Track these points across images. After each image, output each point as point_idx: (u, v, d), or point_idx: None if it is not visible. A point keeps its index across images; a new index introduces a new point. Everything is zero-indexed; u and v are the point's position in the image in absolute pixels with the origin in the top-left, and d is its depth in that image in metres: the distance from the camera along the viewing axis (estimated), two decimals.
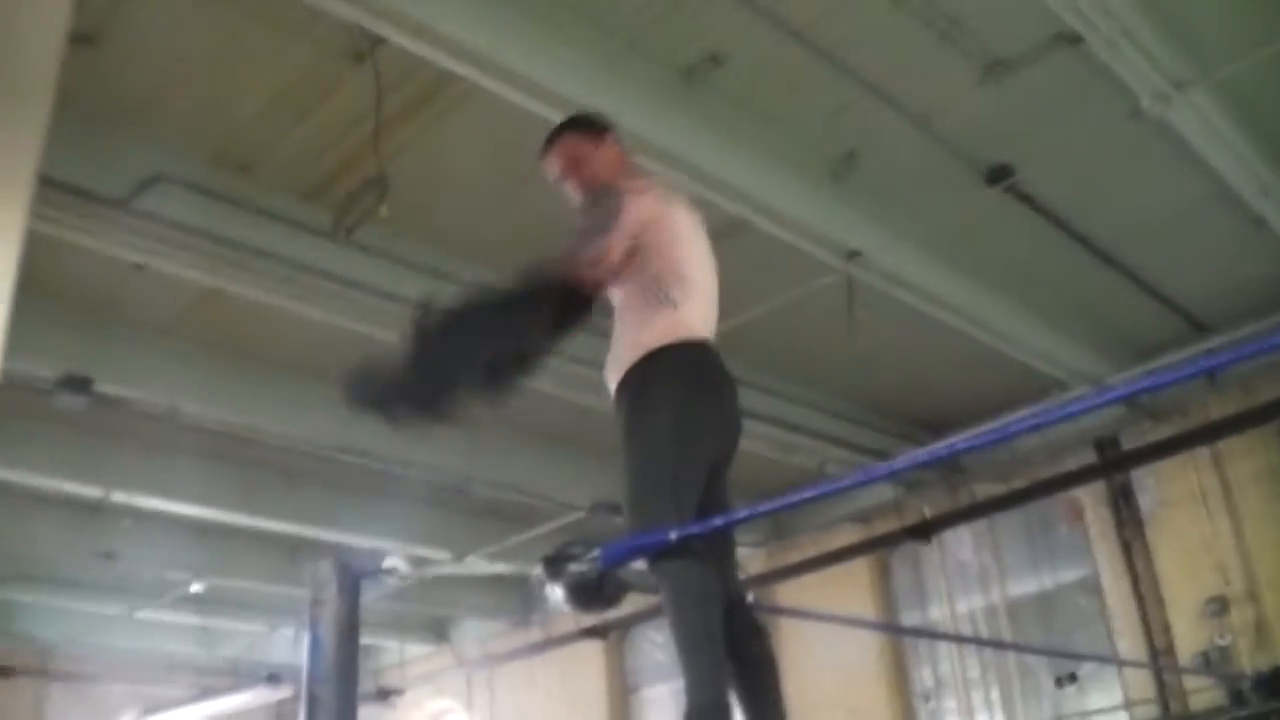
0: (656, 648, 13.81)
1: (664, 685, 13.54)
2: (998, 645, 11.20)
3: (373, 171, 6.11)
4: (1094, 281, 8.53)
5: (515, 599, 14.66)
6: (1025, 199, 7.41)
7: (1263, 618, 9.23)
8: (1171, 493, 10.00)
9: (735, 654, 3.24)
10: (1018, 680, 10.91)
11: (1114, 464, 10.39)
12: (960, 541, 11.56)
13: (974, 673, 11.21)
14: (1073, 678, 10.39)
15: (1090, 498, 10.59)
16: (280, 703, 14.64)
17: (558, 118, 5.73)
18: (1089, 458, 10.54)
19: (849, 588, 11.90)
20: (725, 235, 6.95)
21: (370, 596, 12.33)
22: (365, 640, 15.83)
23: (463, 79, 5.70)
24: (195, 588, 12.57)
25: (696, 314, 3.52)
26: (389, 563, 9.70)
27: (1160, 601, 9.89)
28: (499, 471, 10.20)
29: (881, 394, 10.45)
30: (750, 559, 12.73)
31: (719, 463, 3.51)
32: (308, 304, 7.32)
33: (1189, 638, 9.62)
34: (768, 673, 3.48)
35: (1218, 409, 9.70)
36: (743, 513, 3.34)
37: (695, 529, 3.13)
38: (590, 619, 13.70)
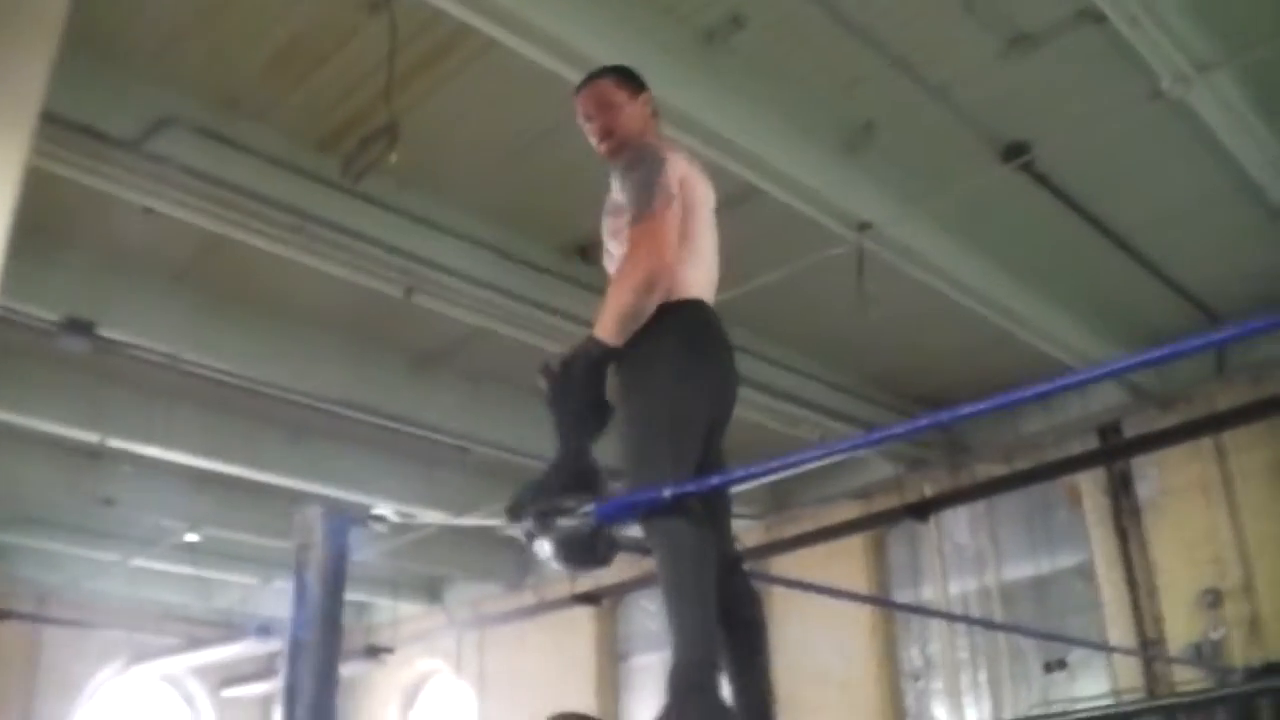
0: (649, 616, 13.82)
1: (655, 654, 13.55)
2: (988, 625, 11.19)
3: (384, 121, 6.05)
4: (1107, 266, 8.47)
5: (510, 562, 14.67)
6: (1040, 178, 7.34)
7: (1257, 612, 9.20)
8: (1172, 482, 9.96)
9: (727, 618, 3.21)
10: (1007, 663, 10.90)
11: (1115, 450, 10.36)
12: (958, 523, 11.55)
13: (963, 654, 11.22)
14: (1062, 664, 10.39)
15: (1090, 484, 10.55)
16: (272, 655, 14.68)
17: (574, 76, 5.70)
18: (1093, 444, 10.52)
19: (845, 564, 11.88)
20: (737, 202, 6.95)
21: (365, 553, 12.35)
22: (359, 597, 15.97)
23: (480, 33, 5.65)
24: (191, 537, 12.61)
25: (697, 276, 3.49)
26: (378, 511, 9.71)
27: (1154, 591, 9.87)
28: (499, 432, 10.17)
29: (887, 370, 10.41)
30: (748, 532, 12.73)
31: (716, 423, 3.49)
32: (315, 255, 7.28)
33: (1182, 629, 9.59)
34: (758, 638, 3.46)
35: (1224, 400, 9.66)
36: (739, 472, 3.31)
37: (692, 487, 3.09)
38: (583, 584, 13.72)
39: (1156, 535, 9.99)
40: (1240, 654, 9.10)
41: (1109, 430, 10.47)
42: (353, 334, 9.28)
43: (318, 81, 6.54)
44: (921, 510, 11.51)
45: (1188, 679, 9.48)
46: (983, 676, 11.02)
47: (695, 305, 3.46)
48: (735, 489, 11.66)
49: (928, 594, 11.66)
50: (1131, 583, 10.02)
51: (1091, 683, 10.28)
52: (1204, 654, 9.30)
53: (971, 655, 11.17)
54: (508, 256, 7.81)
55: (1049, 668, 10.50)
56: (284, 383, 9.42)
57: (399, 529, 11.98)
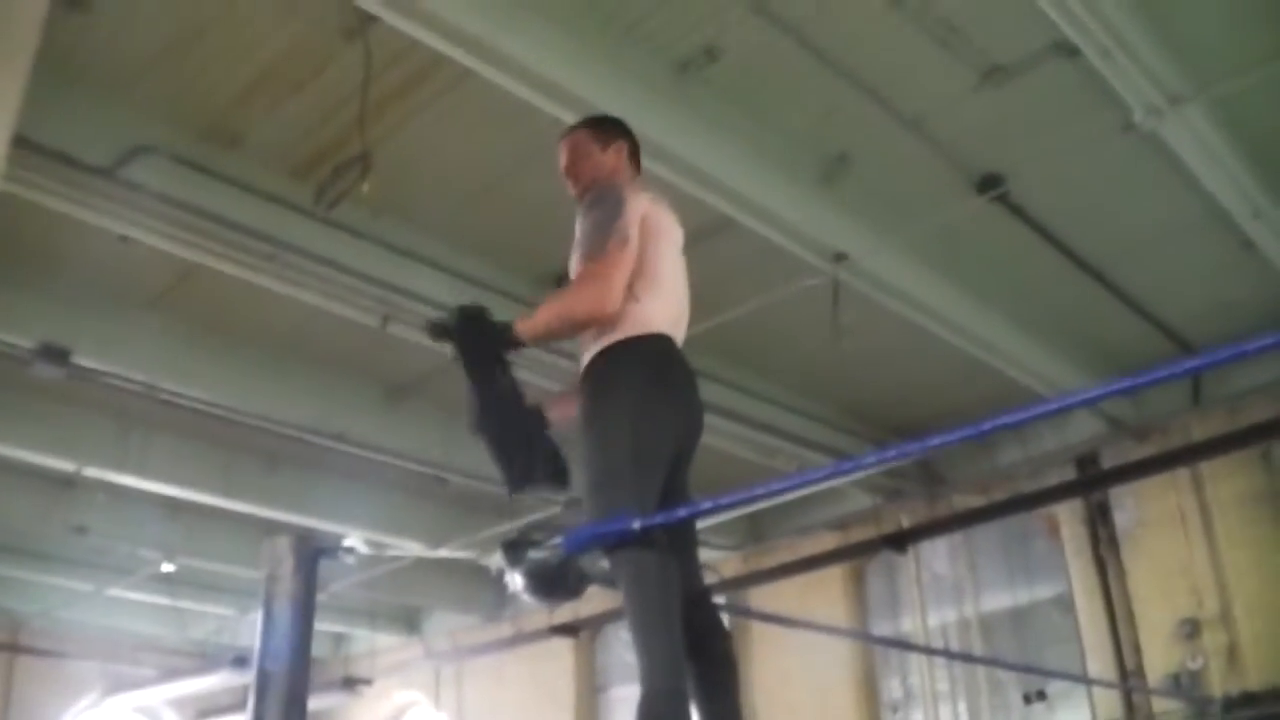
0: (627, 647, 13.65)
1: (633, 685, 13.35)
2: (967, 659, 11.17)
3: (358, 150, 6.06)
4: (1081, 297, 8.51)
5: (488, 593, 14.59)
6: (1015, 209, 7.37)
7: (1236, 642, 9.21)
8: (1150, 513, 9.98)
9: (695, 652, 3.21)
10: (986, 695, 10.88)
11: (1093, 481, 10.38)
12: (936, 554, 11.54)
13: (943, 685, 11.18)
14: (1041, 695, 10.36)
15: (1067, 514, 10.57)
16: (248, 687, 14.53)
17: (549, 108, 5.74)
18: (1070, 475, 10.54)
19: (823, 596, 11.87)
20: (712, 233, 6.98)
21: (340, 584, 12.29)
22: (336, 628, 15.87)
23: (455, 63, 5.65)
24: (167, 567, 12.51)
25: (660, 311, 3.54)
26: (348, 542, 9.65)
27: (1133, 621, 9.87)
28: (475, 462, 10.11)
29: (863, 401, 10.41)
30: (725, 563, 12.71)
31: (680, 456, 3.50)
32: (290, 283, 7.27)
33: (1160, 659, 9.59)
34: (727, 673, 3.45)
35: (1201, 430, 9.70)
36: (706, 504, 3.30)
37: (661, 519, 3.10)
38: (561, 615, 13.67)
39: (1134, 565, 10.00)
40: (1219, 684, 9.11)
41: (1086, 461, 10.48)
42: (329, 363, 9.26)
43: (292, 110, 6.53)
44: (899, 541, 11.50)
45: (1167, 709, 9.49)
46: (962, 708, 10.99)
47: (657, 339, 3.49)
48: (712, 520, 11.66)
49: (907, 625, 11.64)
50: (1110, 613, 10.02)
51: (1071, 714, 10.26)
52: (1183, 684, 9.30)
53: (951, 687, 11.14)
54: (484, 286, 7.80)
55: (1028, 699, 10.47)
56: (260, 411, 9.37)
57: (370, 560, 11.92)
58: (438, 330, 3.56)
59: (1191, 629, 9.42)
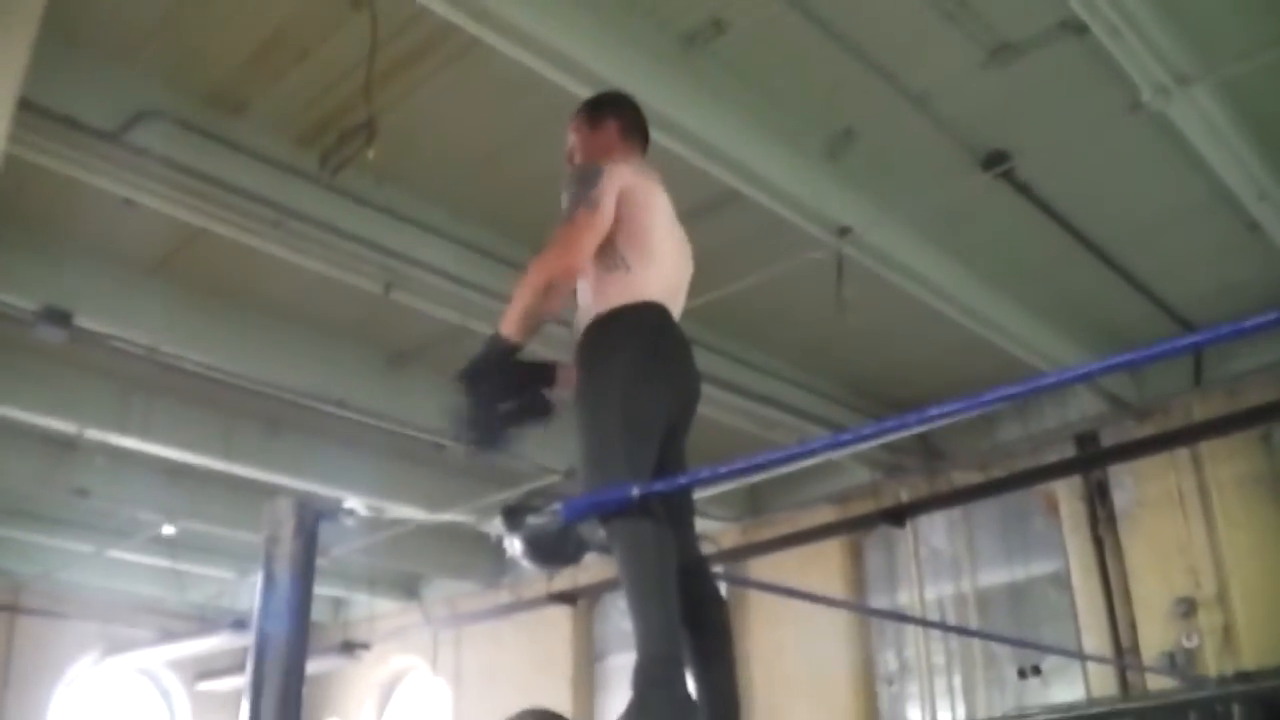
0: (624, 616, 13.62)
1: (631, 653, 13.47)
2: (962, 632, 11.22)
3: (363, 118, 6.04)
4: (1086, 276, 8.50)
5: (487, 560, 14.63)
6: (1020, 187, 7.36)
7: (1231, 622, 9.24)
8: (1149, 492, 10.00)
9: (691, 620, 3.24)
10: (981, 669, 10.93)
11: (1092, 459, 10.40)
12: (934, 528, 11.57)
13: (939, 659, 11.24)
14: (1036, 670, 10.42)
15: (1066, 492, 10.59)
16: (246, 649, 14.60)
17: (555, 78, 5.73)
18: (1070, 453, 10.55)
19: (821, 569, 11.90)
20: (717, 205, 6.98)
21: (340, 548, 12.34)
22: (335, 593, 15.93)
23: (462, 32, 5.63)
24: (167, 530, 12.55)
25: (653, 280, 3.55)
26: (348, 504, 9.70)
27: (1129, 599, 9.90)
28: None
29: (864, 375, 10.42)
30: (724, 535, 12.75)
31: (675, 426, 3.52)
32: (293, 249, 7.27)
33: (1156, 637, 9.62)
34: (722, 641, 3.48)
35: (1201, 411, 9.71)
36: (704, 472, 3.33)
37: (661, 486, 3.12)
38: (559, 583, 13.72)
39: (1132, 544, 10.02)
40: (1214, 663, 9.14)
41: (1086, 439, 10.50)
42: (331, 329, 9.26)
43: (298, 76, 6.50)
44: (898, 515, 11.54)
45: (1161, 687, 9.51)
46: (957, 681, 11.05)
47: (650, 308, 3.50)
48: (712, 491, 11.68)
49: (904, 599, 11.68)
50: (1107, 591, 10.05)
51: (1066, 689, 10.30)
52: (1178, 663, 9.34)
53: (946, 660, 11.20)
54: (488, 255, 7.80)
55: (1023, 674, 10.53)
56: (261, 376, 9.39)
57: (370, 523, 11.96)
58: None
59: (1187, 608, 9.44)
